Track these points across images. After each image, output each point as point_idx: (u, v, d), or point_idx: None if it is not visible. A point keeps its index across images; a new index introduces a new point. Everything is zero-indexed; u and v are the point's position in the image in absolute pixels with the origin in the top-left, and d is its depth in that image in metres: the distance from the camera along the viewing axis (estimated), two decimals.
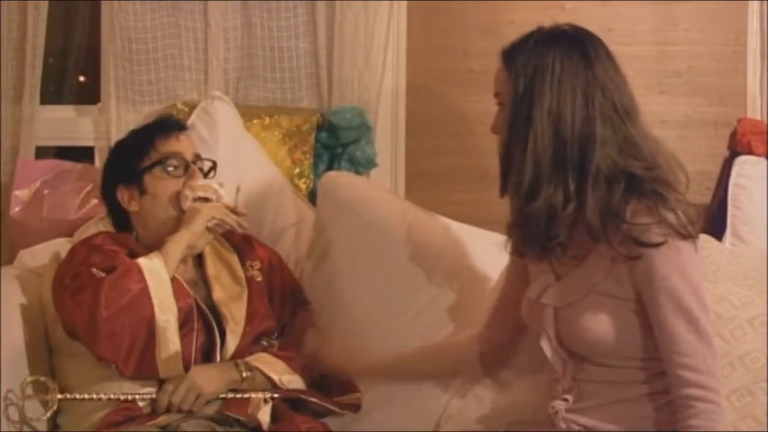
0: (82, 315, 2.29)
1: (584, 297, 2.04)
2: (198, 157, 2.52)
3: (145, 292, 2.29)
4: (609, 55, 2.06)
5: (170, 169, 2.46)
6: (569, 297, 2.07)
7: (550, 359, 2.11)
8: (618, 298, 2.01)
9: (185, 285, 2.41)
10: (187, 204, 2.42)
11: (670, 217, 1.94)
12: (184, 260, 2.46)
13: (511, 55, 2.07)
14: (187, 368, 2.32)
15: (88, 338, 2.30)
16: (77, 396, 2.28)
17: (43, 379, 2.23)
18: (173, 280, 2.37)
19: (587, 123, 1.98)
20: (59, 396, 2.23)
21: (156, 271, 2.32)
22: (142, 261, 2.33)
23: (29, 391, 2.20)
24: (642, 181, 1.98)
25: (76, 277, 2.35)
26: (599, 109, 1.99)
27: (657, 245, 1.94)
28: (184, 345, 2.32)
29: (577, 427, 2.07)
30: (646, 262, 1.95)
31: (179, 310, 2.34)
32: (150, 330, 2.27)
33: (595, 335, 2.02)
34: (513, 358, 2.44)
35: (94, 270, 2.35)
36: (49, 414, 2.22)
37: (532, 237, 2.06)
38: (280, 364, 2.44)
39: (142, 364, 2.28)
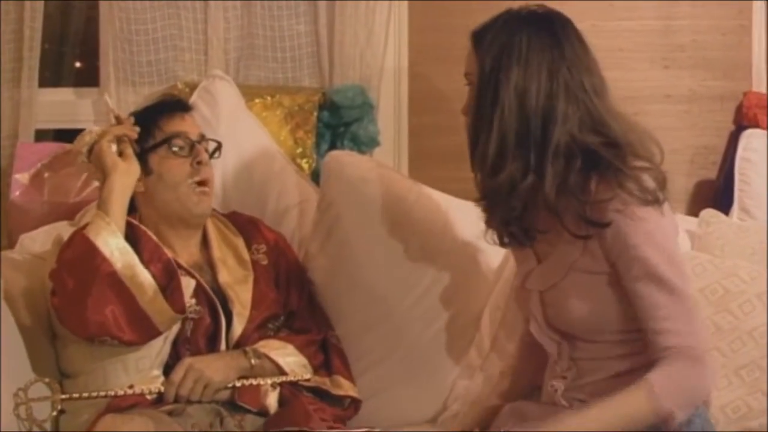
0: (52, 296, 2.30)
1: (564, 277, 2.04)
2: (203, 137, 2.49)
3: (92, 249, 2.24)
4: (578, 37, 2.07)
5: (176, 149, 2.43)
6: (551, 279, 2.07)
7: (542, 343, 2.13)
8: (595, 273, 2.01)
9: (156, 240, 2.38)
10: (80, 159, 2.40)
11: (630, 185, 1.94)
12: (188, 243, 2.46)
13: (479, 34, 2.08)
14: (181, 311, 2.29)
15: (65, 315, 2.28)
16: (83, 395, 2.23)
17: (47, 380, 2.20)
18: (144, 238, 2.35)
19: (550, 98, 1.99)
20: (63, 396, 2.20)
21: (96, 228, 2.27)
22: (86, 228, 2.31)
23: (32, 393, 2.16)
24: (600, 156, 1.98)
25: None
26: (563, 85, 1.99)
27: (605, 225, 1.95)
28: (175, 297, 2.29)
29: (578, 403, 2.06)
30: (615, 234, 1.95)
31: (156, 262, 2.32)
32: (118, 285, 2.24)
33: (578, 313, 2.03)
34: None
35: None
36: (54, 414, 2.19)
37: (494, 210, 2.10)
38: (289, 348, 2.43)
39: (134, 320, 2.24)
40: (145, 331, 2.27)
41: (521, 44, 2.00)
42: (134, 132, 2.39)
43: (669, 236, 1.99)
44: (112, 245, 2.26)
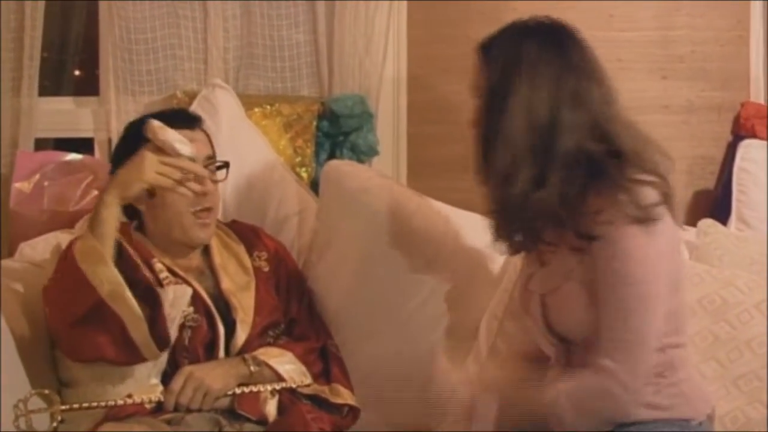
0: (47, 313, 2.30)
1: (564, 282, 2.04)
2: (210, 159, 2.43)
3: (81, 278, 2.18)
4: (585, 46, 2.07)
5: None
6: (552, 283, 2.08)
7: (540, 345, 2.14)
8: (588, 283, 2.00)
9: (137, 261, 2.34)
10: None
11: (624, 198, 1.92)
12: (186, 251, 2.46)
13: (486, 47, 2.09)
14: (165, 344, 2.25)
15: (57, 339, 2.29)
16: (83, 405, 2.20)
17: (46, 392, 2.19)
18: (126, 256, 2.32)
19: (557, 108, 1.99)
20: (62, 407, 2.19)
21: (86, 254, 2.20)
22: (75, 246, 2.23)
23: (32, 405, 2.16)
24: (601, 166, 1.98)
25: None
26: (570, 94, 2.00)
27: (592, 239, 1.94)
28: (159, 329, 2.23)
29: None
30: (599, 248, 1.95)
31: (136, 282, 2.25)
32: (108, 314, 2.18)
33: (575, 320, 2.03)
34: None
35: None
36: (54, 425, 2.17)
37: (506, 222, 2.10)
38: (288, 356, 2.43)
39: (124, 347, 2.20)
40: (135, 357, 2.24)
41: (528, 55, 2.01)
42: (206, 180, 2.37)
43: (648, 260, 1.93)
44: (101, 275, 2.18)
